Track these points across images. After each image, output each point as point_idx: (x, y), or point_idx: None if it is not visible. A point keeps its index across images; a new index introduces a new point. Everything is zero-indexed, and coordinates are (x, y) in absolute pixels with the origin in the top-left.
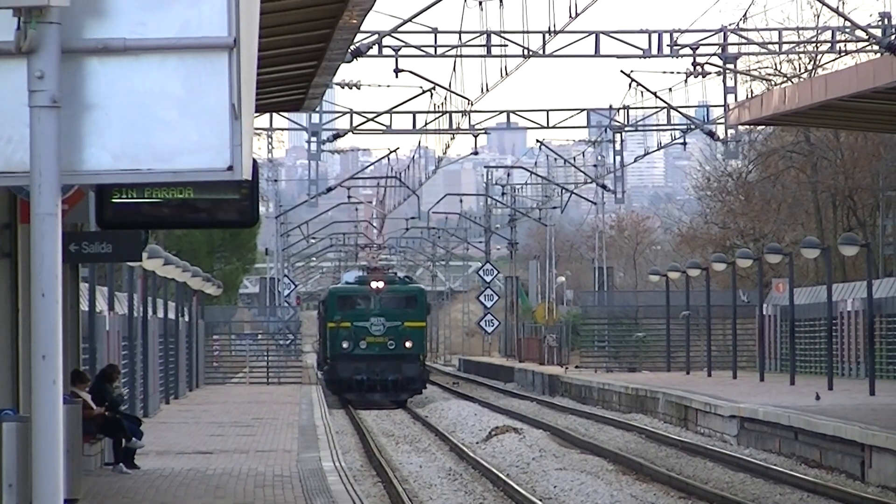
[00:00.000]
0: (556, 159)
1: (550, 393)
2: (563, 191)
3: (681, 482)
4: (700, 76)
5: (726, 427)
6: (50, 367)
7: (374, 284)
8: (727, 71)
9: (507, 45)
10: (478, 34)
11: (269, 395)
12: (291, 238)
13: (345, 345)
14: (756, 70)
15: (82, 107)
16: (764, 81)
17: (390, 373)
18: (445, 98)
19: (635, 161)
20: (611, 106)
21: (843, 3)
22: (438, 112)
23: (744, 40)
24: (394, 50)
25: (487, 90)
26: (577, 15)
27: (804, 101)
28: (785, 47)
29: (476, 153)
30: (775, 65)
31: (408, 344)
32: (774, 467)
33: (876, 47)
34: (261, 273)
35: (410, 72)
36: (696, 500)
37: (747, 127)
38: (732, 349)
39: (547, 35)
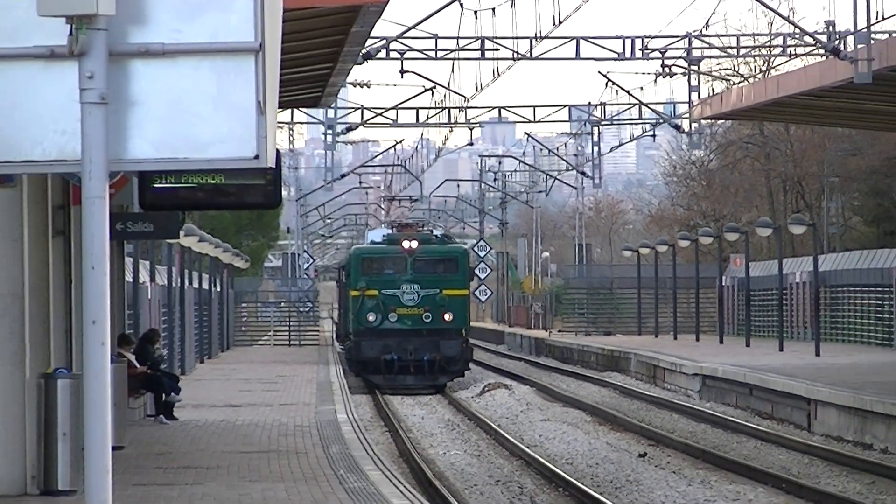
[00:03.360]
0: (541, 149)
1: (536, 354)
2: (548, 177)
3: (650, 431)
4: (668, 76)
5: (690, 384)
6: (99, 331)
7: (406, 244)
8: (691, 72)
9: (498, 49)
10: (473, 39)
11: (291, 356)
12: (310, 218)
13: (371, 317)
14: (717, 71)
15: (126, 103)
16: (724, 81)
17: (426, 351)
18: (445, 96)
19: (611, 151)
20: (589, 103)
21: (794, 11)
22: (438, 108)
23: (706, 45)
24: (399, 53)
25: (481, 89)
26: (560, 22)
27: (759, 99)
28: (742, 51)
29: (471, 144)
30: (734, 66)
31: (447, 317)
32: (732, 419)
33: (822, 51)
34: (283, 249)
35: (414, 73)
36: (663, 447)
37: (709, 121)
38: (696, 315)
39: (534, 40)
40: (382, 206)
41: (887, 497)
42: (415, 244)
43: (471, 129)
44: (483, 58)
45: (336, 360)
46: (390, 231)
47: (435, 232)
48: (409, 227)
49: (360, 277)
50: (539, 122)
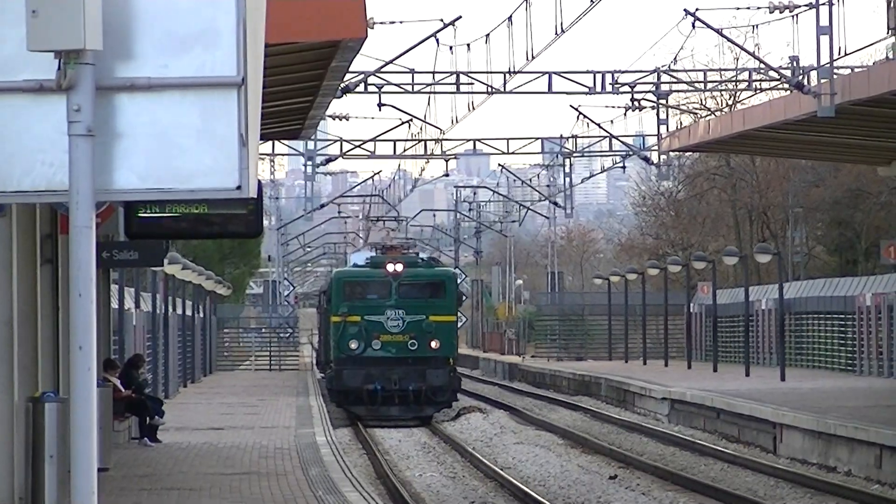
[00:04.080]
0: (514, 180)
1: (510, 378)
2: (521, 207)
3: (620, 454)
4: (637, 110)
5: (659, 407)
6: (85, 357)
7: (390, 267)
8: (660, 105)
9: (473, 84)
10: (449, 74)
11: (272, 380)
12: (290, 247)
13: (353, 345)
14: (685, 105)
15: (113, 135)
16: (691, 114)
17: (411, 381)
18: (421, 128)
19: (582, 182)
20: (561, 135)
21: (759, 47)
22: (415, 140)
23: (674, 79)
24: (377, 87)
25: (457, 121)
26: (532, 58)
27: (725, 132)
28: (709, 85)
29: (447, 175)
30: (701, 100)
31: (434, 344)
32: (700, 442)
33: (786, 86)
34: (264, 276)
35: (391, 106)
36: (633, 469)
37: (677, 153)
38: (664, 341)
39: (507, 75)
40: (361, 232)
41: None
42: (400, 267)
43: (446, 161)
44: (458, 91)
45: (315, 385)
46: (374, 254)
47: (421, 255)
48: (393, 250)
49: (341, 302)
50: (512, 153)
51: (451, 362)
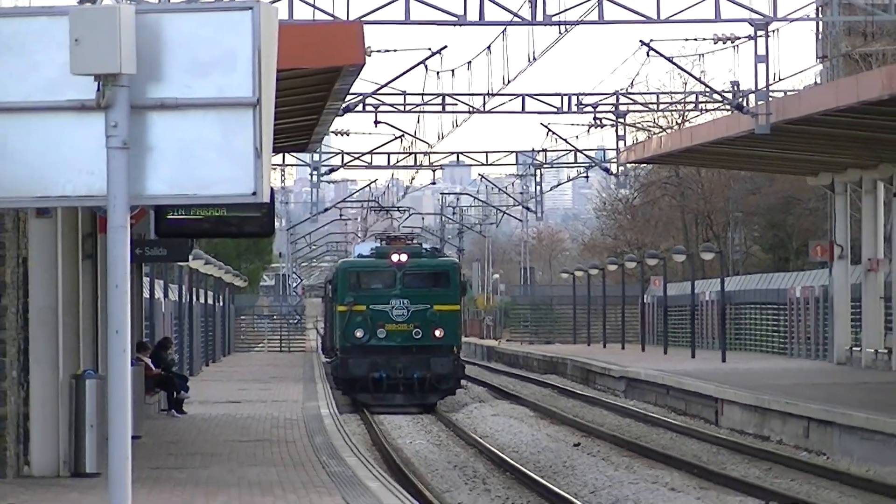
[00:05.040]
0: (492, 188)
1: (488, 359)
2: (498, 211)
3: (583, 425)
4: (599, 127)
5: (617, 385)
6: (121, 340)
7: (395, 257)
8: (618, 124)
9: (457, 104)
10: (436, 95)
11: (282, 360)
12: (298, 245)
13: (358, 334)
14: (640, 123)
15: (145, 148)
16: (645, 131)
17: (416, 369)
18: (412, 142)
19: (551, 189)
20: (533, 149)
21: (704, 73)
22: (406, 153)
23: (631, 101)
24: (373, 107)
25: (443, 137)
26: (508, 82)
27: (675, 146)
28: (661, 106)
29: (434, 183)
30: (654, 119)
31: (438, 333)
32: (652, 415)
33: (728, 107)
34: (276, 270)
35: (386, 123)
36: (594, 438)
37: (633, 165)
38: (622, 328)
39: (486, 96)
40: (360, 232)
41: (781, 480)
42: (404, 257)
43: (433, 171)
44: (444, 111)
45: (320, 366)
46: (378, 244)
47: (424, 245)
48: (397, 240)
49: (347, 292)
50: (491, 164)
51: (455, 351)
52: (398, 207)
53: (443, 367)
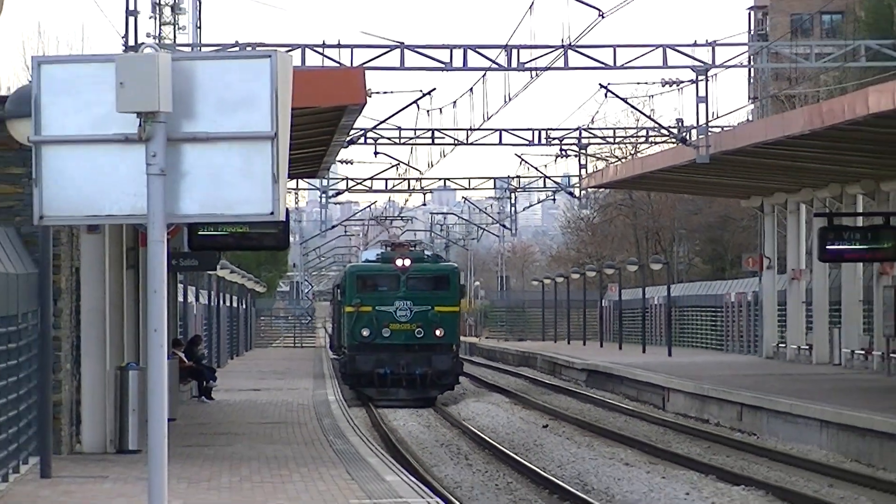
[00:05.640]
0: (474, 209)
1: (470, 354)
2: (479, 228)
3: (551, 409)
4: (564, 157)
5: (579, 376)
6: (159, 337)
7: (399, 262)
8: (581, 154)
9: (444, 137)
10: (426, 130)
11: (295, 355)
12: (309, 257)
13: (365, 332)
14: (599, 154)
15: (179, 174)
16: (604, 161)
17: (418, 366)
18: (406, 170)
19: (523, 210)
20: (508, 175)
21: (654, 111)
22: (401, 178)
23: (592, 135)
24: (373, 140)
25: (432, 165)
26: (488, 118)
27: (629, 174)
28: (617, 139)
29: (424, 204)
30: (611, 150)
31: (438, 332)
32: (609, 401)
33: (674, 140)
34: (290, 278)
35: (384, 153)
36: (560, 421)
37: (593, 189)
38: (583, 327)
39: (469, 131)
40: (361, 246)
41: (718, 456)
42: (408, 262)
43: (424, 194)
44: (433, 143)
45: (327, 361)
46: (384, 250)
47: (426, 251)
48: (401, 247)
49: (355, 294)
50: (472, 189)
51: (454, 349)
52: (401, 217)
53: (443, 364)
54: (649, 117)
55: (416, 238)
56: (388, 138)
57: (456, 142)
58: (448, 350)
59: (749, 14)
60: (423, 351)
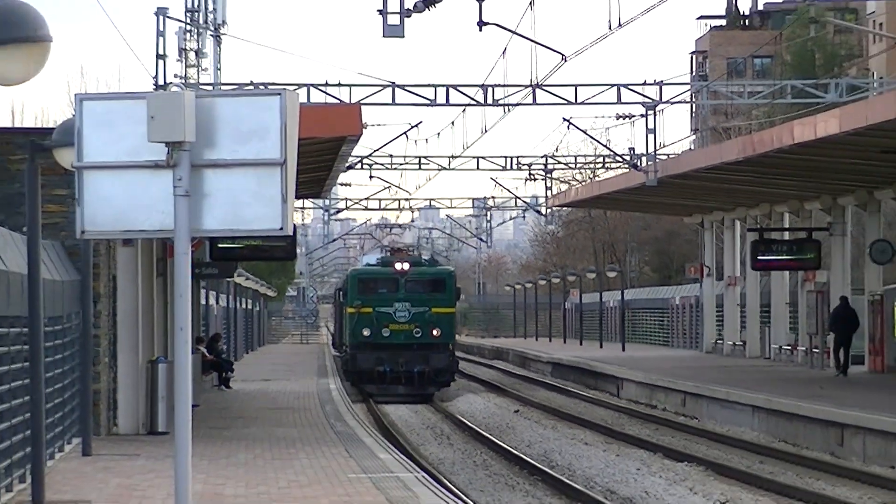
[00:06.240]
0: (456, 225)
1: None
2: (460, 242)
3: (520, 396)
4: (533, 180)
5: (545, 367)
6: (184, 335)
7: (398, 266)
8: (547, 178)
9: (429, 163)
10: (415, 157)
11: (302, 350)
12: (314, 266)
13: (366, 332)
14: (563, 177)
15: (201, 195)
16: (567, 183)
17: (416, 363)
18: (396, 191)
19: (498, 225)
20: (485, 196)
21: (609, 140)
22: (393, 199)
23: (556, 162)
24: (368, 165)
25: (419, 187)
26: (467, 147)
27: (589, 195)
28: (578, 165)
29: (413, 221)
30: (573, 175)
31: (435, 332)
32: (571, 389)
33: (626, 166)
34: (297, 284)
35: (378, 177)
36: (529, 407)
37: (558, 208)
38: (549, 326)
39: (451, 158)
40: (359, 255)
41: (665, 436)
42: (406, 266)
43: (412, 212)
44: (420, 168)
45: (329, 357)
46: (384, 255)
47: (423, 256)
48: (400, 252)
49: (356, 296)
50: (454, 207)
51: (450, 348)
52: (400, 225)
53: (440, 362)
54: (605, 146)
55: (411, 244)
56: (382, 164)
57: (440, 167)
58: (445, 349)
59: (691, 57)
60: (421, 350)
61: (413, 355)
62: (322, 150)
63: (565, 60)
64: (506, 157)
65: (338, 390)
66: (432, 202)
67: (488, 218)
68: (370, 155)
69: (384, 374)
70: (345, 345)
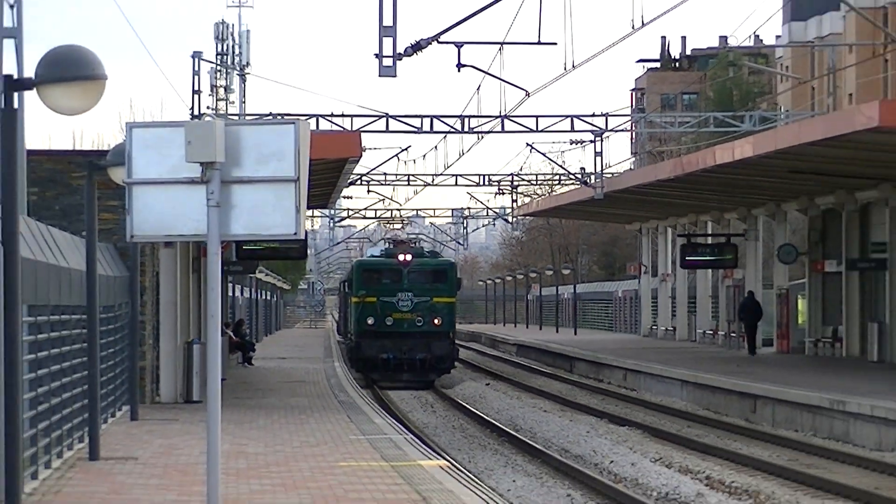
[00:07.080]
0: (439, 231)
1: None
2: (441, 245)
3: (491, 372)
4: (502, 194)
5: (512, 349)
6: (215, 320)
7: (401, 257)
8: (514, 192)
9: (416, 180)
10: (405, 175)
11: (311, 334)
12: (321, 265)
13: (370, 321)
14: (526, 192)
15: (230, 206)
16: (529, 197)
17: (418, 351)
18: (389, 203)
19: (473, 232)
20: (462, 208)
21: (565, 161)
22: (386, 209)
23: (521, 179)
24: (367, 182)
25: (408, 200)
26: (447, 167)
27: (548, 206)
28: (539, 182)
29: (402, 228)
30: (535, 190)
31: (437, 321)
32: (533, 366)
33: (578, 182)
34: (308, 279)
35: (374, 192)
36: (498, 381)
37: (522, 216)
38: (514, 315)
39: (434, 176)
40: (361, 249)
41: (609, 406)
42: (409, 257)
43: (402, 222)
44: (409, 184)
45: (334, 341)
46: (387, 247)
47: (425, 248)
48: (403, 244)
49: (361, 286)
50: (437, 217)
51: (451, 336)
52: (401, 220)
53: (441, 350)
54: (561, 167)
55: (418, 236)
56: (377, 181)
57: (425, 183)
58: (445, 337)
59: (632, 93)
60: (422, 338)
61: (415, 343)
62: (328, 169)
63: (528, 95)
64: (479, 175)
65: (341, 368)
66: (419, 212)
67: (465, 225)
68: (368, 173)
69: (388, 361)
70: (349, 332)
